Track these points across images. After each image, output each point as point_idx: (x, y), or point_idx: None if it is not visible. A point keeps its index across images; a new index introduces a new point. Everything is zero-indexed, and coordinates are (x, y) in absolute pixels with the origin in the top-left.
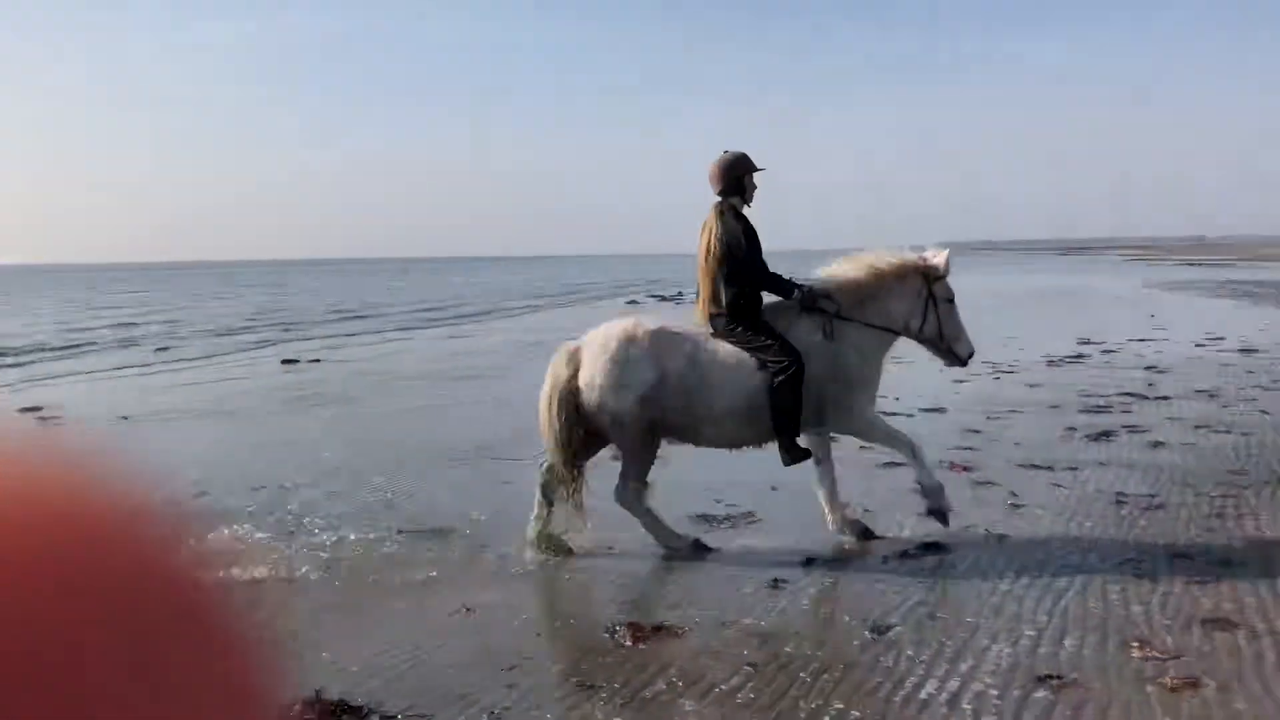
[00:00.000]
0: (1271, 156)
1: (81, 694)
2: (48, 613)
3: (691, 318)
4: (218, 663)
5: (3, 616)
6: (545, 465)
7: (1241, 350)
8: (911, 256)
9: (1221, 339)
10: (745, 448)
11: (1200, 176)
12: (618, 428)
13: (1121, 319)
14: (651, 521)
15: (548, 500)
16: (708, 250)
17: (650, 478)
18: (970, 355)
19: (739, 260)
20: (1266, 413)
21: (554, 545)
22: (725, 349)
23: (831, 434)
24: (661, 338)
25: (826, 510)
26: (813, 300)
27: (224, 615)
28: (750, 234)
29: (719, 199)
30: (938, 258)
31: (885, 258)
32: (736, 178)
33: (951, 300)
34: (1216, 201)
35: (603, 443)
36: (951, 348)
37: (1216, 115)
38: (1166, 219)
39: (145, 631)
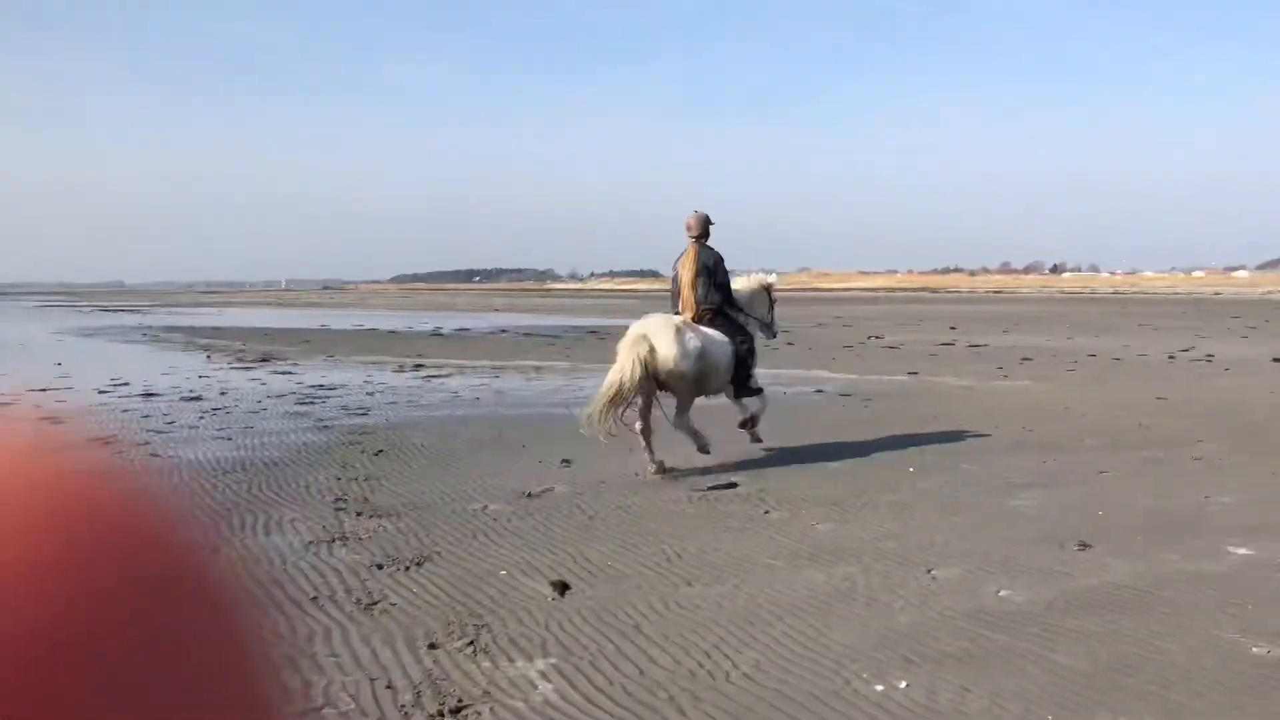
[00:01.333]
0: (187, 209)
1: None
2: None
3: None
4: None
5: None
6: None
7: (143, 395)
8: (762, 278)
9: (127, 384)
10: (714, 394)
11: (115, 226)
12: (682, 381)
13: (25, 368)
14: (694, 434)
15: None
16: (697, 273)
17: None
18: (778, 334)
19: (722, 279)
20: (157, 455)
21: (661, 469)
22: (715, 332)
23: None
24: (690, 325)
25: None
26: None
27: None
28: (723, 261)
29: (695, 240)
30: (772, 278)
31: (756, 279)
32: (707, 227)
33: (776, 301)
34: (134, 249)
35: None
36: (773, 328)
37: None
38: (87, 264)
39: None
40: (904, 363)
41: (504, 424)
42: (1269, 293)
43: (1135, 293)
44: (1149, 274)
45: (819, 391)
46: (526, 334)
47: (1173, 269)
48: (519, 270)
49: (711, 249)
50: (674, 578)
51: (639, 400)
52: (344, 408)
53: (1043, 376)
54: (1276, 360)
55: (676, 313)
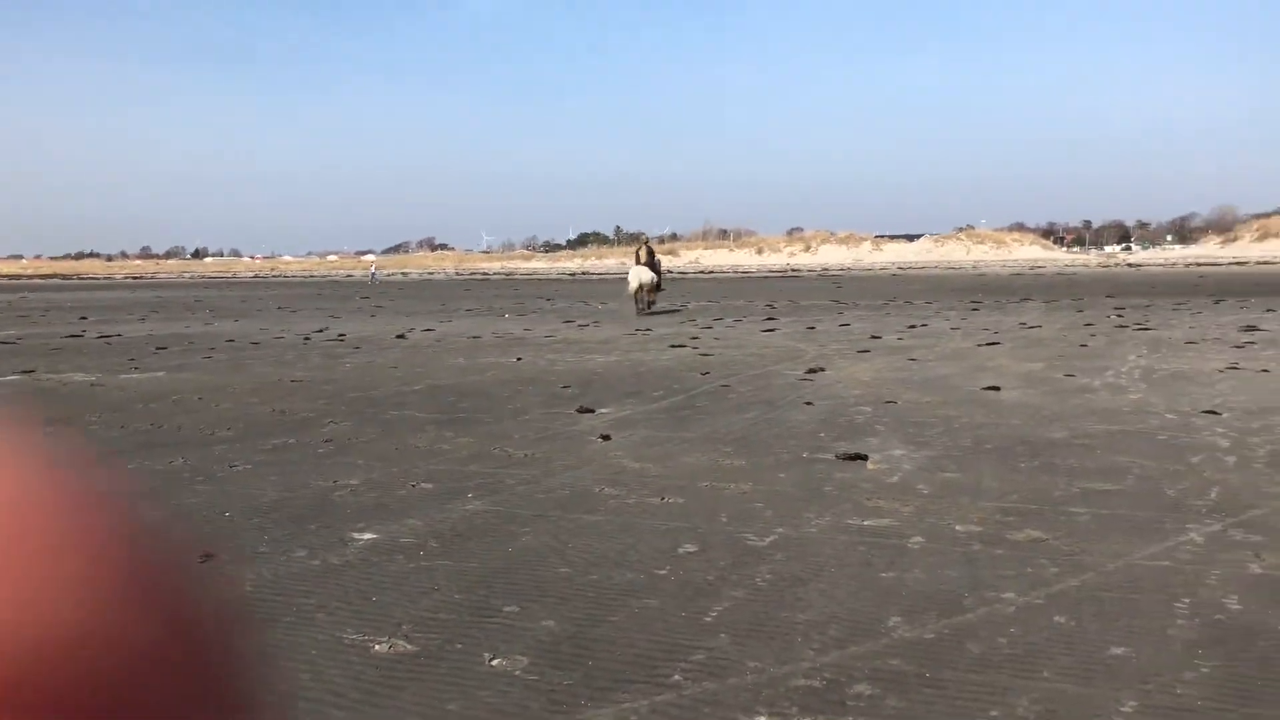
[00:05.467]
0: None
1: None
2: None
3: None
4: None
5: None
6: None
7: None
8: (660, 256)
9: None
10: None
11: None
12: (651, 285)
13: None
14: (649, 309)
15: (640, 300)
16: (649, 253)
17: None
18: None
19: (653, 255)
20: None
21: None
22: (653, 272)
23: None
24: (648, 269)
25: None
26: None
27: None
28: (654, 250)
29: (645, 243)
30: (662, 257)
31: (660, 256)
32: (647, 240)
33: (661, 261)
34: None
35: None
36: (661, 272)
37: None
38: None
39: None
40: (20, 360)
41: None
42: (391, 274)
43: (275, 276)
44: (288, 258)
45: None
46: None
47: (310, 253)
48: None
49: (649, 245)
50: None
51: (642, 292)
52: None
53: (179, 366)
54: (400, 337)
55: (640, 264)
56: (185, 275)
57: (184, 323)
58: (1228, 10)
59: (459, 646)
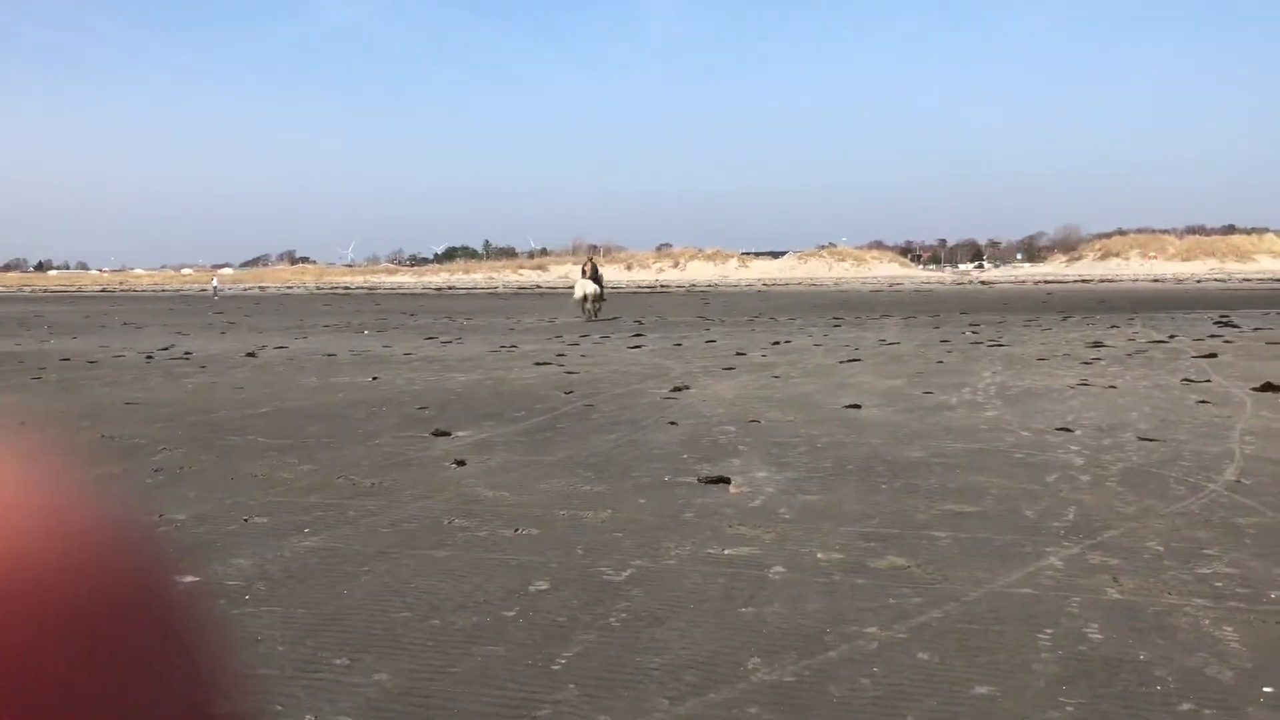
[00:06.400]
0: None
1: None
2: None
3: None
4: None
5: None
6: (581, 306)
7: None
8: (599, 270)
9: None
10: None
11: None
12: (596, 295)
13: None
14: (592, 315)
15: (585, 309)
16: (594, 267)
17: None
18: (604, 286)
19: (597, 269)
20: None
21: (589, 316)
22: (596, 285)
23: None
24: (592, 280)
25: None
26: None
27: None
28: (598, 265)
29: (590, 258)
30: (603, 269)
31: (602, 271)
32: (592, 255)
33: (603, 274)
34: None
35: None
36: (603, 284)
37: None
38: None
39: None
40: None
41: None
42: (247, 288)
43: (124, 290)
44: (140, 271)
45: None
46: None
47: (164, 266)
48: None
49: (594, 261)
50: None
51: (587, 302)
52: None
53: (1, 389)
54: (251, 355)
55: (585, 277)
56: (25, 289)
57: (16, 340)
58: (1059, 42)
59: (278, 708)
